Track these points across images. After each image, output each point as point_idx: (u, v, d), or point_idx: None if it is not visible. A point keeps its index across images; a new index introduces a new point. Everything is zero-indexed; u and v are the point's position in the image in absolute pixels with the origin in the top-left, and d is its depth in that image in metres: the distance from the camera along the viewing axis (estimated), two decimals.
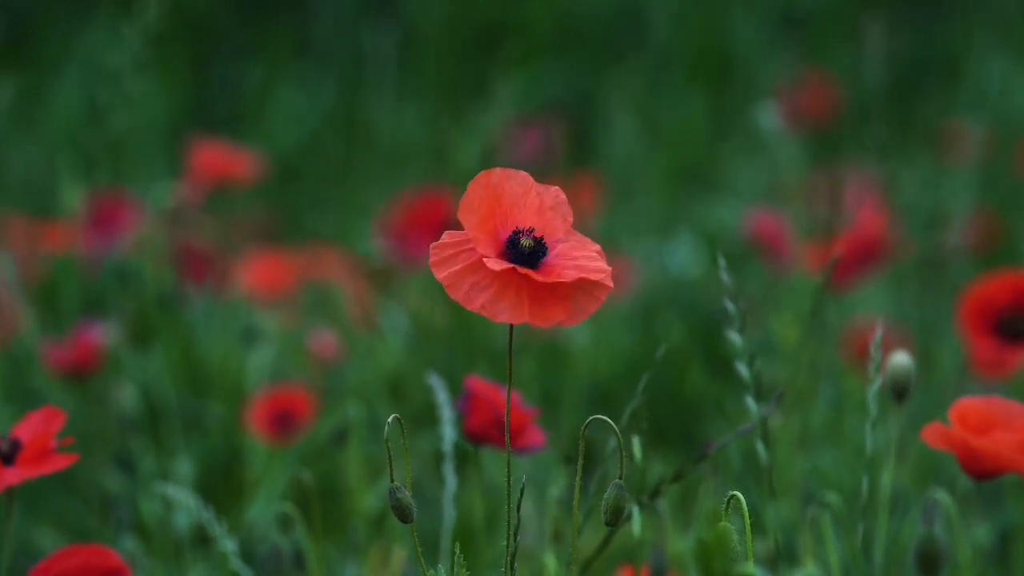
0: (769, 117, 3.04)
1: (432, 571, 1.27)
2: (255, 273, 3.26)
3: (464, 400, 1.58)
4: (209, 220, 3.64)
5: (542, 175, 1.28)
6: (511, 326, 1.24)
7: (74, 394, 2.50)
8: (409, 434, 1.28)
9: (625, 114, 4.78)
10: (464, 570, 1.26)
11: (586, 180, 3.80)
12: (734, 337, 1.48)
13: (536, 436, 1.57)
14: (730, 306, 1.49)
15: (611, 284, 1.24)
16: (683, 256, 3.24)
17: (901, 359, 1.55)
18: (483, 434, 1.58)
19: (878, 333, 1.51)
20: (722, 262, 1.49)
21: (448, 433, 1.63)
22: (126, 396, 2.35)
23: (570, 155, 4.39)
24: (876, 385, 1.51)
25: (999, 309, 2.08)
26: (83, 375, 2.45)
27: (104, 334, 2.47)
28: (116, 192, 3.26)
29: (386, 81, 5.23)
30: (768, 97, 4.27)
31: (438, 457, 1.66)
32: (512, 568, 1.28)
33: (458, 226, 1.25)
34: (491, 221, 1.24)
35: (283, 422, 2.25)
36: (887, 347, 1.66)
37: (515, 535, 1.28)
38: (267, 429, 2.26)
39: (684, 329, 2.80)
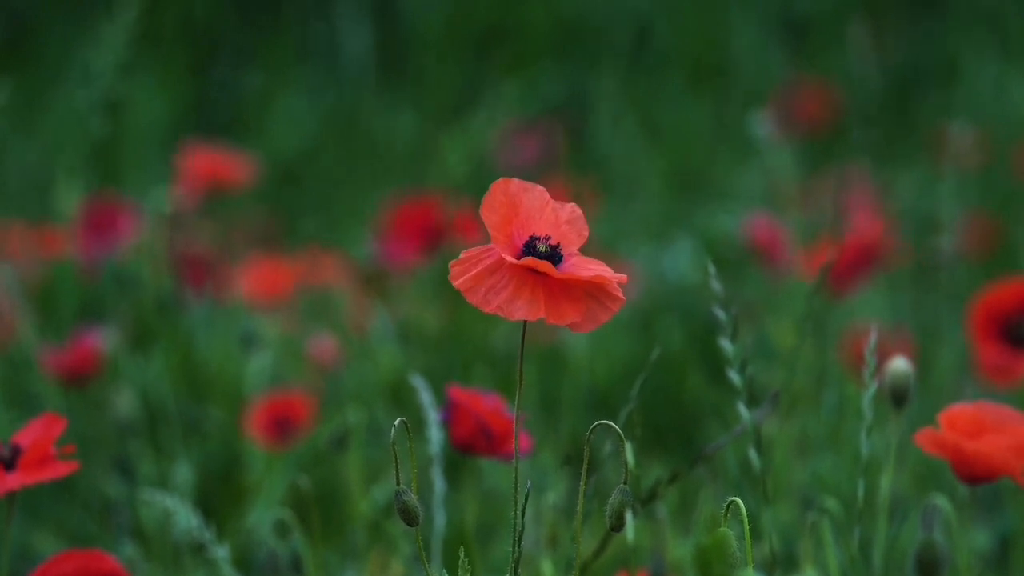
0: (763, 124, 3.04)
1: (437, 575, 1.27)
2: (254, 278, 3.26)
3: (447, 410, 1.58)
4: (208, 225, 3.64)
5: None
6: (524, 324, 1.25)
7: (73, 399, 2.50)
8: (402, 438, 1.28)
9: (624, 118, 4.78)
10: (468, 575, 1.27)
11: (585, 184, 3.80)
12: (725, 344, 1.48)
13: (522, 441, 1.58)
14: (721, 313, 1.49)
15: (623, 296, 1.25)
16: (682, 261, 3.25)
17: (900, 364, 1.55)
18: (469, 443, 1.58)
19: (873, 338, 1.51)
20: (712, 269, 1.49)
21: (436, 436, 1.64)
22: (125, 401, 2.35)
23: (569, 159, 4.39)
24: (871, 390, 1.51)
25: (1007, 315, 2.08)
26: (82, 380, 2.45)
27: (103, 339, 2.47)
28: (112, 196, 3.26)
29: (385, 85, 5.23)
30: (765, 102, 4.27)
31: (434, 460, 1.66)
32: (516, 573, 1.28)
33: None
34: (508, 228, 1.25)
35: (282, 427, 2.25)
36: (886, 352, 1.66)
37: (519, 540, 1.28)
38: (266, 434, 2.26)
39: (683, 334, 2.80)
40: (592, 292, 1.25)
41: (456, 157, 3.05)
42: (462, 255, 1.25)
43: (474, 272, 1.23)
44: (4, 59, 5.25)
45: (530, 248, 1.25)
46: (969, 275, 3.28)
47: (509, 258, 1.23)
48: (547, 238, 1.26)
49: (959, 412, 1.47)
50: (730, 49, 5.35)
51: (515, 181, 1.27)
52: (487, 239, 1.26)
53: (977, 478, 1.46)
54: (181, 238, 3.14)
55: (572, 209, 1.28)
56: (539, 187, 1.27)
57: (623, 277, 1.25)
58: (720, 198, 4.11)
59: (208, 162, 3.18)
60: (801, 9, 5.53)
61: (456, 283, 1.23)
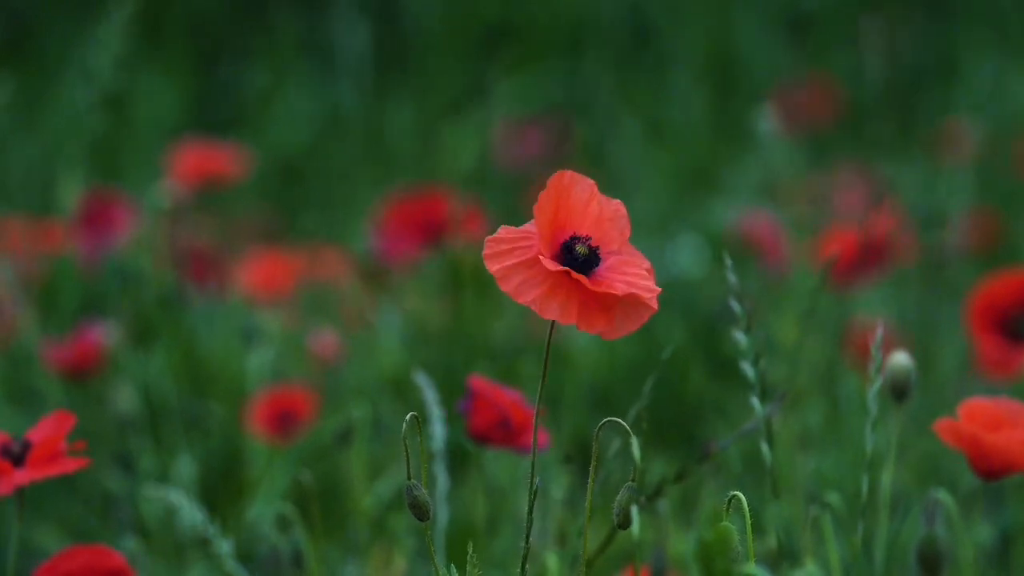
0: (767, 120, 3.04)
1: (444, 570, 1.27)
2: (255, 273, 3.26)
3: (467, 400, 1.58)
4: (209, 220, 3.64)
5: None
6: (551, 325, 1.26)
7: (74, 394, 2.50)
8: (411, 433, 1.28)
9: (629, 115, 4.78)
10: (476, 569, 1.27)
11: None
12: (739, 337, 1.48)
13: (539, 435, 1.58)
14: (735, 306, 1.49)
15: (655, 306, 1.24)
16: (683, 257, 3.25)
17: (901, 359, 1.55)
18: (487, 434, 1.58)
19: (879, 333, 1.51)
20: (728, 262, 1.49)
21: (438, 431, 1.64)
22: (126, 396, 2.35)
23: (573, 156, 4.39)
24: (876, 385, 1.51)
25: (1005, 308, 2.07)
26: (83, 375, 2.45)
27: (104, 334, 2.47)
28: (110, 192, 3.26)
29: (387, 82, 5.23)
30: (769, 99, 4.27)
31: (436, 456, 1.66)
32: (524, 569, 1.29)
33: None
34: (554, 222, 1.25)
35: (284, 422, 2.25)
36: (888, 347, 1.66)
37: (528, 536, 1.28)
38: (268, 429, 2.26)
39: (685, 330, 2.80)
40: (625, 300, 1.25)
41: (462, 152, 3.05)
42: (500, 232, 1.25)
43: (511, 262, 1.23)
44: (4, 57, 5.25)
45: (569, 248, 1.25)
46: (970, 271, 3.28)
47: (547, 262, 1.22)
48: (587, 239, 1.25)
49: (978, 406, 1.47)
50: (736, 46, 5.35)
51: (568, 173, 1.27)
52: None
53: (993, 471, 1.46)
54: (182, 233, 3.14)
55: (617, 207, 1.28)
56: (588, 180, 1.27)
57: (656, 289, 1.25)
58: (722, 194, 4.11)
59: (200, 157, 3.18)
60: (805, 6, 5.53)
61: (491, 267, 1.23)
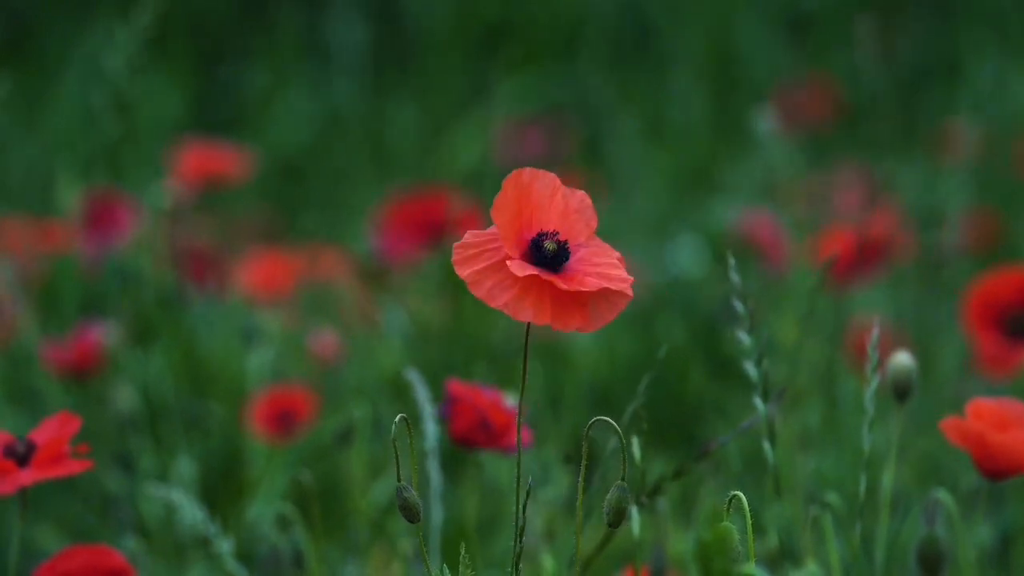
0: (766, 120, 3.04)
1: (437, 572, 1.27)
2: (255, 273, 3.26)
3: (446, 404, 1.58)
4: (209, 220, 3.64)
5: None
6: (527, 325, 1.25)
7: (74, 394, 2.50)
8: (403, 434, 1.28)
9: (629, 115, 4.78)
10: (470, 570, 1.27)
11: (590, 181, 3.80)
12: (742, 337, 1.48)
13: (523, 434, 1.58)
14: (738, 306, 1.49)
15: (631, 293, 1.23)
16: (683, 257, 3.25)
17: (903, 359, 1.55)
18: (468, 437, 1.58)
19: (875, 333, 1.51)
20: (732, 262, 1.49)
21: (431, 430, 1.63)
22: (126, 396, 2.35)
23: (574, 156, 4.39)
24: (874, 385, 1.51)
25: (1004, 305, 2.07)
26: (83, 375, 2.45)
27: (104, 334, 2.47)
28: (112, 192, 3.26)
29: (388, 82, 5.23)
30: (769, 99, 4.27)
31: (430, 454, 1.66)
32: (517, 569, 1.28)
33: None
34: (518, 221, 1.24)
35: (284, 422, 2.25)
36: (887, 347, 1.66)
37: (521, 536, 1.28)
38: (268, 429, 2.26)
39: (685, 330, 2.80)
40: (600, 293, 1.23)
41: (462, 152, 3.05)
42: (467, 238, 1.24)
43: (481, 266, 1.22)
44: (4, 57, 5.25)
45: (537, 246, 1.24)
46: (970, 270, 3.28)
47: (515, 267, 1.21)
48: (554, 234, 1.24)
49: (985, 406, 1.47)
50: (734, 46, 5.35)
51: (527, 170, 1.26)
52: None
53: (999, 471, 1.46)
54: (182, 233, 3.15)
55: (582, 197, 1.27)
56: (550, 174, 1.26)
57: (630, 279, 1.24)
58: (722, 194, 4.11)
59: (203, 157, 3.18)
60: (805, 6, 5.53)
61: (461, 272, 1.22)
